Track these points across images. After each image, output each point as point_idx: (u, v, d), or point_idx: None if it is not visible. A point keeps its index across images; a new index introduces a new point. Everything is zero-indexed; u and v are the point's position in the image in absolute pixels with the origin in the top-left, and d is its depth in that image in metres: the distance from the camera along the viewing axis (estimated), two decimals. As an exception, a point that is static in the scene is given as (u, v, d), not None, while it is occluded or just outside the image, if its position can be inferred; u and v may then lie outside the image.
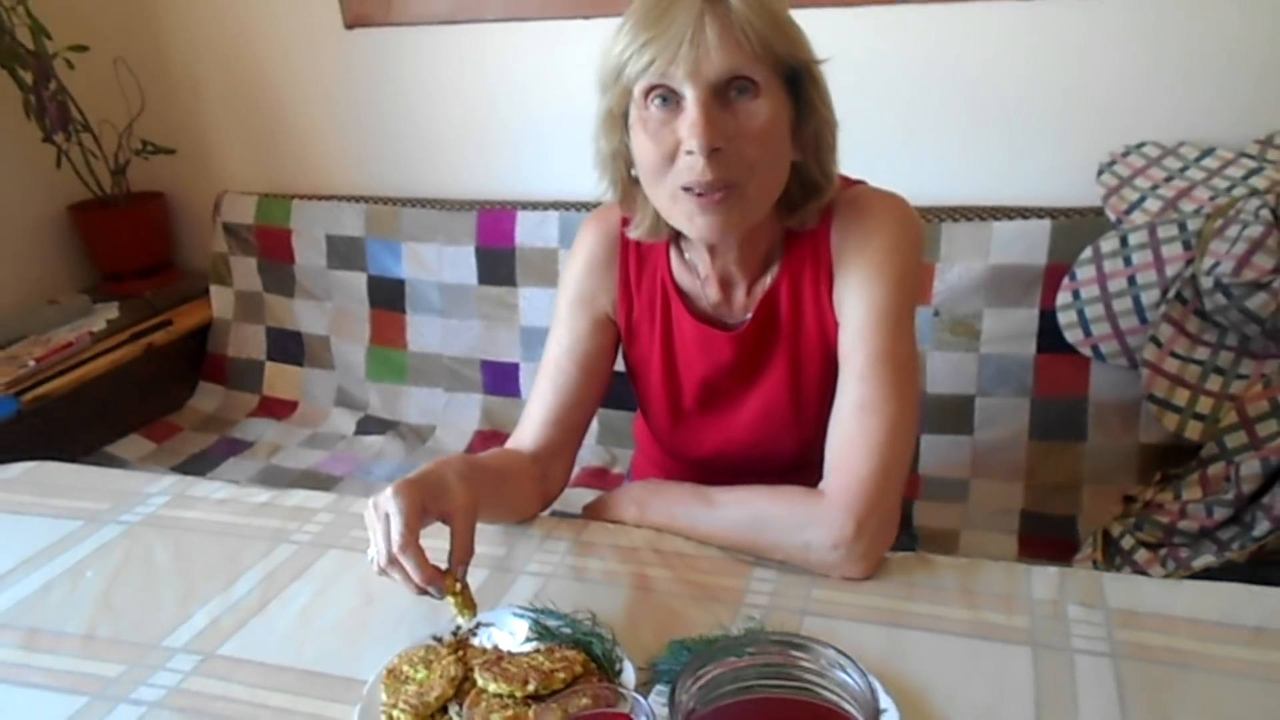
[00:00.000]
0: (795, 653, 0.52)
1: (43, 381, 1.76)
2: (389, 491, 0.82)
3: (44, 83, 1.84)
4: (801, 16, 1.72)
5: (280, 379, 2.08)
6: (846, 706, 0.51)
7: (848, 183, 1.02)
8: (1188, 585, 0.88)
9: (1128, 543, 1.41)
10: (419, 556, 0.80)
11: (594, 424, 1.80)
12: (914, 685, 0.77)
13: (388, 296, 1.99)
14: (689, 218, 0.90)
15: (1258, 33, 1.55)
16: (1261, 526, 1.29)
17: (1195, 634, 0.81)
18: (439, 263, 1.93)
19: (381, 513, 0.81)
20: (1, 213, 1.86)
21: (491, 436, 1.90)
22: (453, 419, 1.95)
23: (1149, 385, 1.48)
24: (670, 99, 0.86)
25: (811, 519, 0.91)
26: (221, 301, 2.12)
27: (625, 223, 1.04)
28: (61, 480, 1.21)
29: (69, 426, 1.76)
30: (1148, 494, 1.48)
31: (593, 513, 1.07)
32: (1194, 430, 1.45)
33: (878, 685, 0.75)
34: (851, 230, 0.98)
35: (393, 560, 0.80)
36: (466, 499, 0.85)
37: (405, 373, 1.99)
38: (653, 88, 0.86)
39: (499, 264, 1.89)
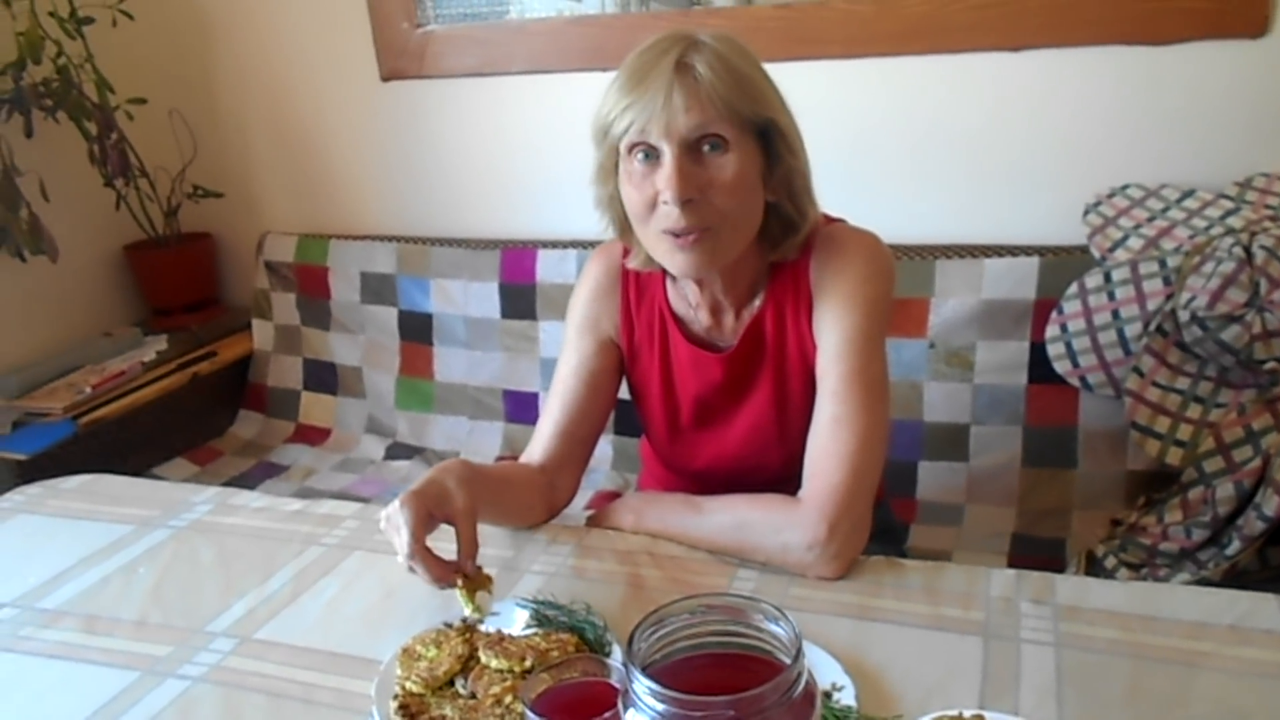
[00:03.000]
0: (738, 610, 0.62)
1: (97, 407, 1.90)
2: (396, 504, 0.93)
3: (107, 133, 2.01)
4: (807, 67, 1.84)
5: (315, 407, 2.21)
6: (780, 655, 0.60)
7: (827, 220, 1.13)
8: (1135, 586, 0.96)
9: (1110, 563, 1.47)
10: (427, 560, 0.91)
11: (608, 450, 1.95)
12: (873, 668, 0.85)
13: (417, 330, 2.11)
14: (670, 256, 1.02)
15: (1238, 81, 1.63)
16: (1234, 546, 1.35)
17: (1136, 628, 0.88)
18: (465, 298, 2.05)
19: (394, 524, 0.92)
20: (65, 252, 2.01)
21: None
22: (476, 445, 2.06)
23: (1132, 413, 1.56)
24: (651, 154, 0.98)
25: (789, 523, 1.00)
26: (262, 334, 2.25)
27: (626, 255, 1.16)
28: (115, 491, 1.34)
29: (120, 449, 1.89)
30: (1132, 517, 1.55)
31: (595, 522, 1.17)
32: (1175, 456, 1.52)
33: (834, 657, 0.84)
34: (829, 263, 1.08)
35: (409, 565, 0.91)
36: (466, 502, 0.96)
37: (432, 402, 2.11)
38: (635, 144, 0.98)
39: (521, 299, 2.01)
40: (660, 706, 0.55)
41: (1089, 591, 0.94)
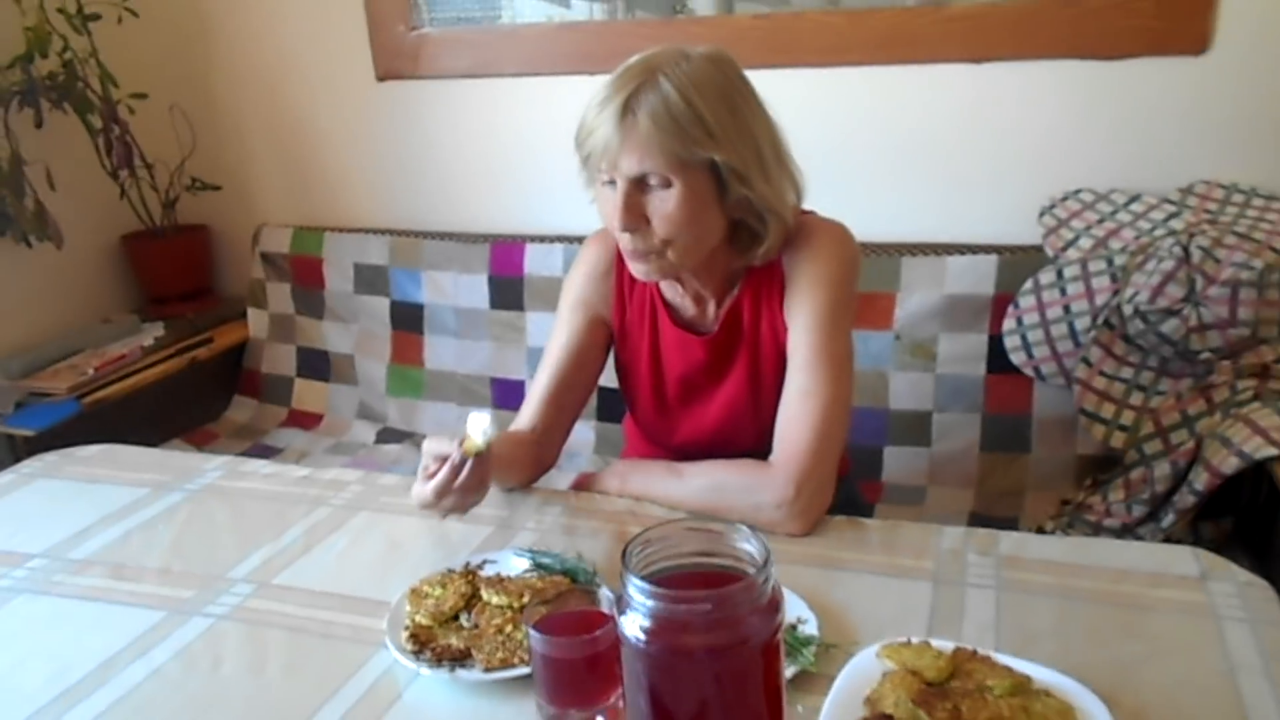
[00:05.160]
0: (716, 532, 0.72)
1: (100, 388, 1.97)
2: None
3: (111, 125, 2.08)
4: (784, 75, 1.95)
5: (308, 393, 2.29)
6: (751, 571, 0.69)
7: (799, 213, 1.23)
8: (1069, 540, 1.08)
9: (1057, 537, 1.58)
10: (431, 474, 1.06)
11: (591, 435, 2.04)
12: (834, 606, 0.96)
13: (408, 319, 2.20)
14: (630, 264, 1.15)
15: (1181, 94, 1.76)
16: (1169, 519, 1.47)
17: (1067, 574, 0.99)
18: (455, 289, 2.14)
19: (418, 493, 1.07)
20: (68, 240, 2.09)
21: (499, 446, 2.09)
22: (464, 431, 2.14)
23: (1080, 400, 1.67)
24: (612, 180, 1.09)
25: (760, 484, 1.10)
26: (257, 323, 2.33)
27: (619, 243, 1.26)
28: (129, 459, 1.42)
29: (121, 429, 1.93)
30: (1080, 497, 1.67)
31: (583, 486, 1.26)
32: (1118, 439, 1.64)
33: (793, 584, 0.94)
34: (800, 250, 1.19)
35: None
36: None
37: (422, 389, 2.19)
38: (599, 170, 1.10)
39: (509, 291, 2.11)
40: (650, 603, 0.65)
41: (1028, 545, 1.05)
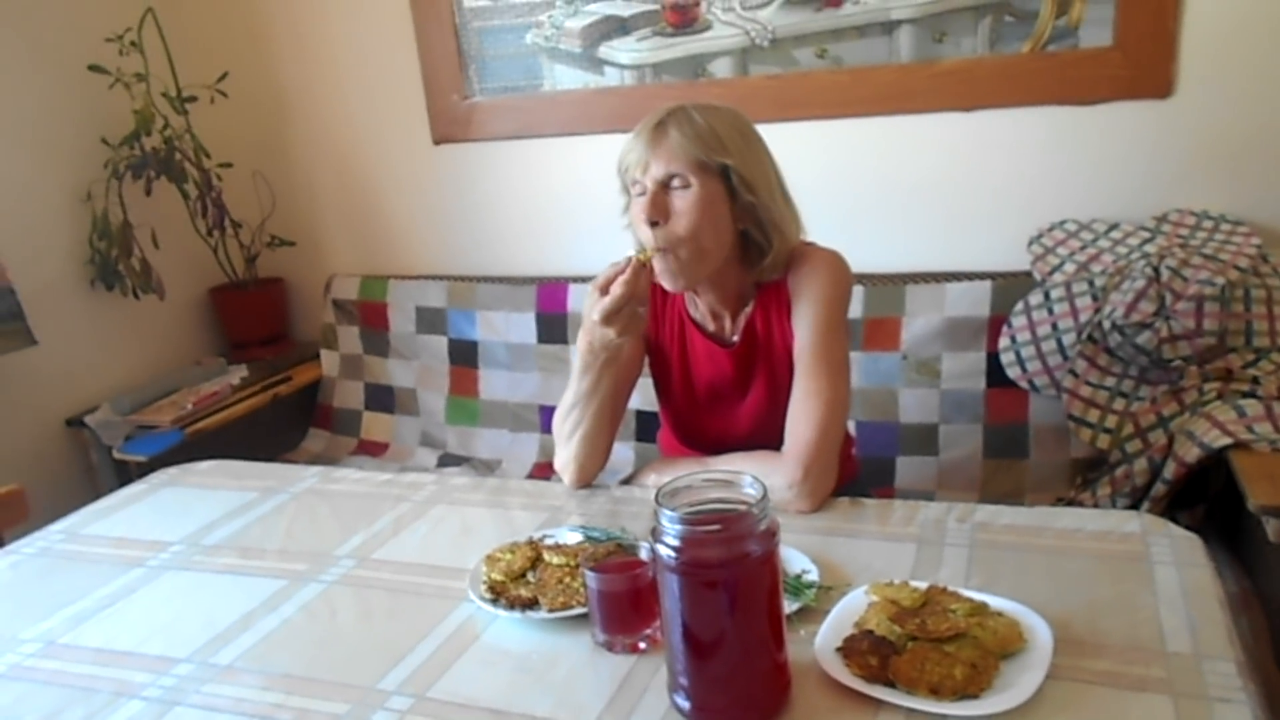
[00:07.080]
0: (727, 481, 0.93)
1: (198, 420, 2.23)
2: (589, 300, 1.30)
3: (207, 191, 2.37)
4: (796, 127, 2.18)
5: (375, 424, 2.54)
6: (754, 509, 0.90)
7: (803, 243, 1.46)
8: (1033, 509, 1.26)
9: (1051, 528, 1.76)
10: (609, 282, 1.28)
11: (631, 454, 2.26)
12: (834, 561, 1.16)
13: (464, 355, 2.44)
14: (658, 275, 1.35)
15: (1151, 133, 1.97)
16: (1145, 507, 1.65)
17: (1029, 534, 1.19)
18: (506, 327, 2.39)
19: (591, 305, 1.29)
20: (170, 295, 2.38)
21: (548, 467, 2.31)
22: (516, 454, 2.37)
23: (1068, 407, 1.86)
24: (642, 191, 1.33)
25: (774, 469, 1.31)
26: (329, 362, 2.59)
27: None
28: (238, 470, 1.67)
29: (216, 455, 2.18)
30: (1072, 494, 1.85)
31: (625, 481, 1.48)
32: (1103, 441, 1.82)
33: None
34: (800, 272, 1.41)
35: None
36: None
37: (478, 417, 2.43)
38: (634, 183, 1.34)
39: (554, 327, 2.35)
40: (677, 527, 0.86)
41: (1001, 514, 1.25)
